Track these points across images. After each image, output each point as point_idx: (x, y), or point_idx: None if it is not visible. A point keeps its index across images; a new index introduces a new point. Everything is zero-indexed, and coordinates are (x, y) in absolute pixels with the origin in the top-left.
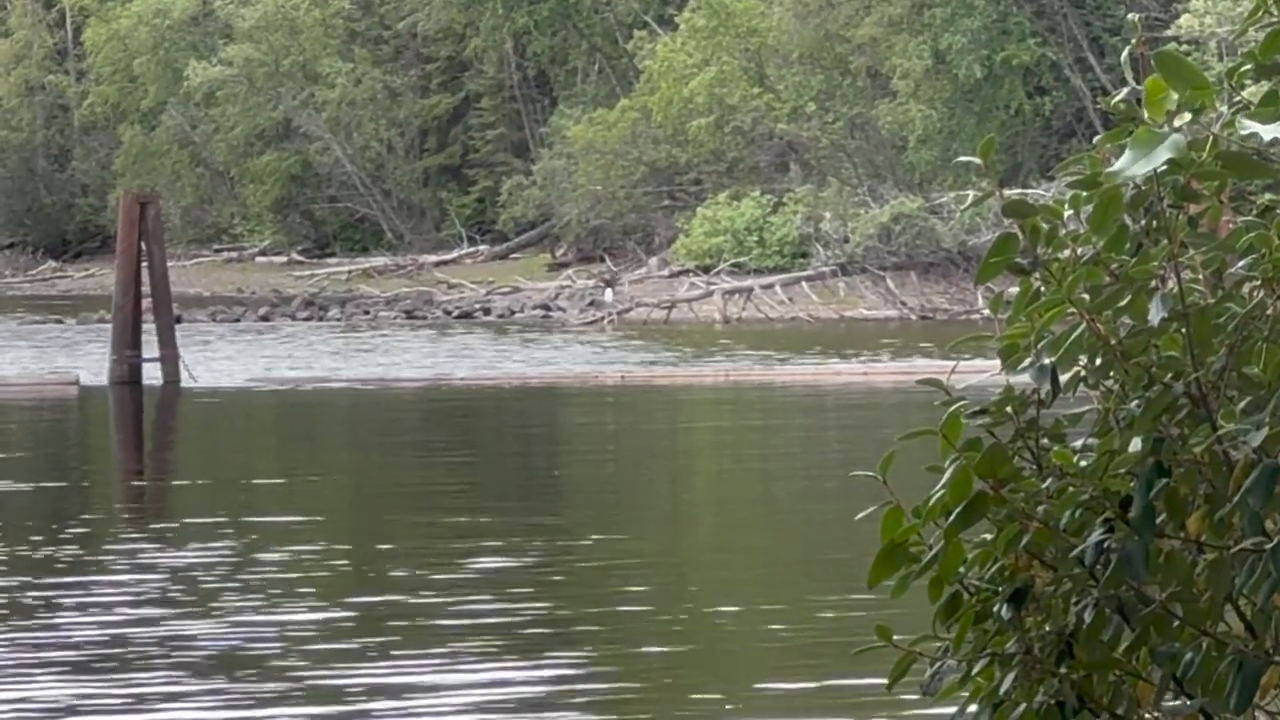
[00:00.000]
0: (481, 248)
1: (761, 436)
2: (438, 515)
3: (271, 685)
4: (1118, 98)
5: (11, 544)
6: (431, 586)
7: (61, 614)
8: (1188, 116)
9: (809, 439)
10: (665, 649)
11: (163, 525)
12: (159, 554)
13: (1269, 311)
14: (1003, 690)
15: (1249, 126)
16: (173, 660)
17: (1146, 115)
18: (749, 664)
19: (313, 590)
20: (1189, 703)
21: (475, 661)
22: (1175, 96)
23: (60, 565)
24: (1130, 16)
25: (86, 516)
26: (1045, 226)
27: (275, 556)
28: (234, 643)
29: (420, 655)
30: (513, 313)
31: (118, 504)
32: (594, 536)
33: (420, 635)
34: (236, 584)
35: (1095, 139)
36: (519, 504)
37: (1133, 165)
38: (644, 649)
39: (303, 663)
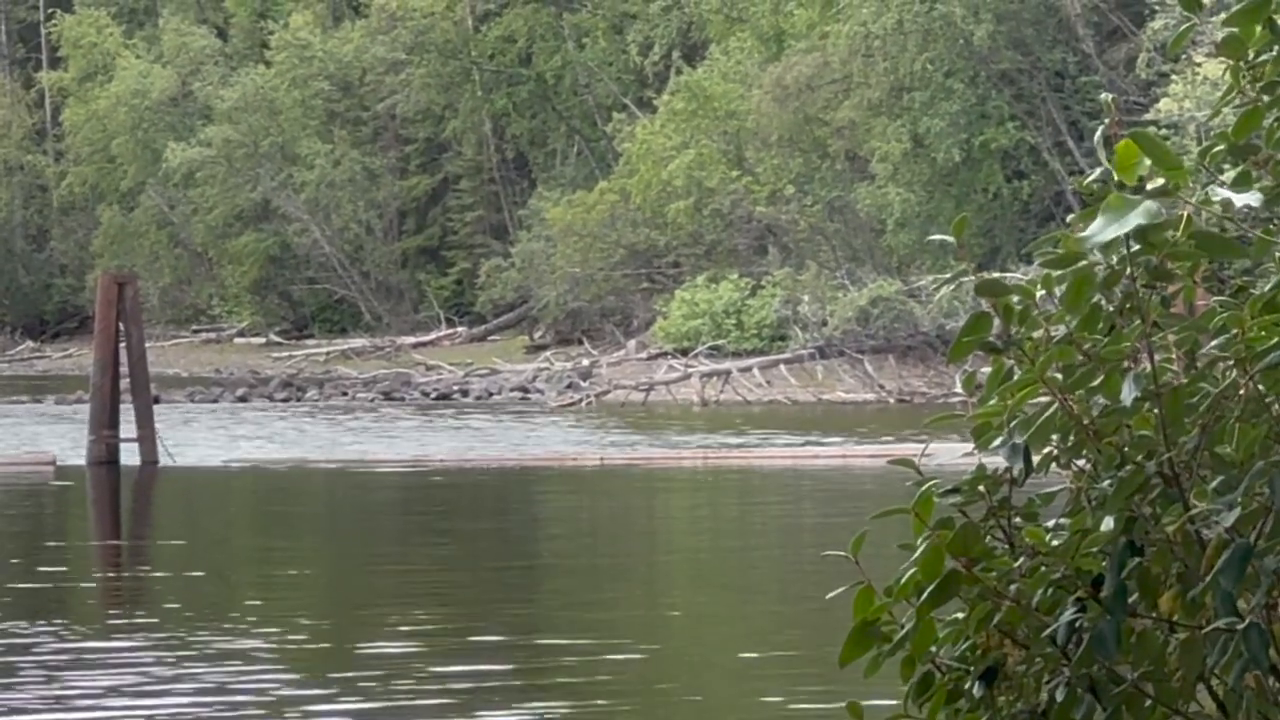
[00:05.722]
0: (460, 329)
1: (739, 522)
2: (416, 612)
3: None
4: (1091, 178)
5: None
6: (415, 696)
7: (33, 714)
8: (1160, 181)
9: (787, 522)
10: None
11: (140, 621)
12: (137, 654)
13: (1241, 391)
14: None
15: (1221, 194)
16: None
17: (1116, 176)
18: None
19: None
20: None
21: None
22: (1148, 161)
23: (26, 662)
24: (1104, 96)
25: (61, 611)
26: (1018, 306)
27: (254, 661)
28: None
29: None
30: (491, 394)
31: (93, 599)
32: (570, 637)
33: None
34: (215, 687)
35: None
36: (496, 595)
37: (1104, 230)
38: None
39: None
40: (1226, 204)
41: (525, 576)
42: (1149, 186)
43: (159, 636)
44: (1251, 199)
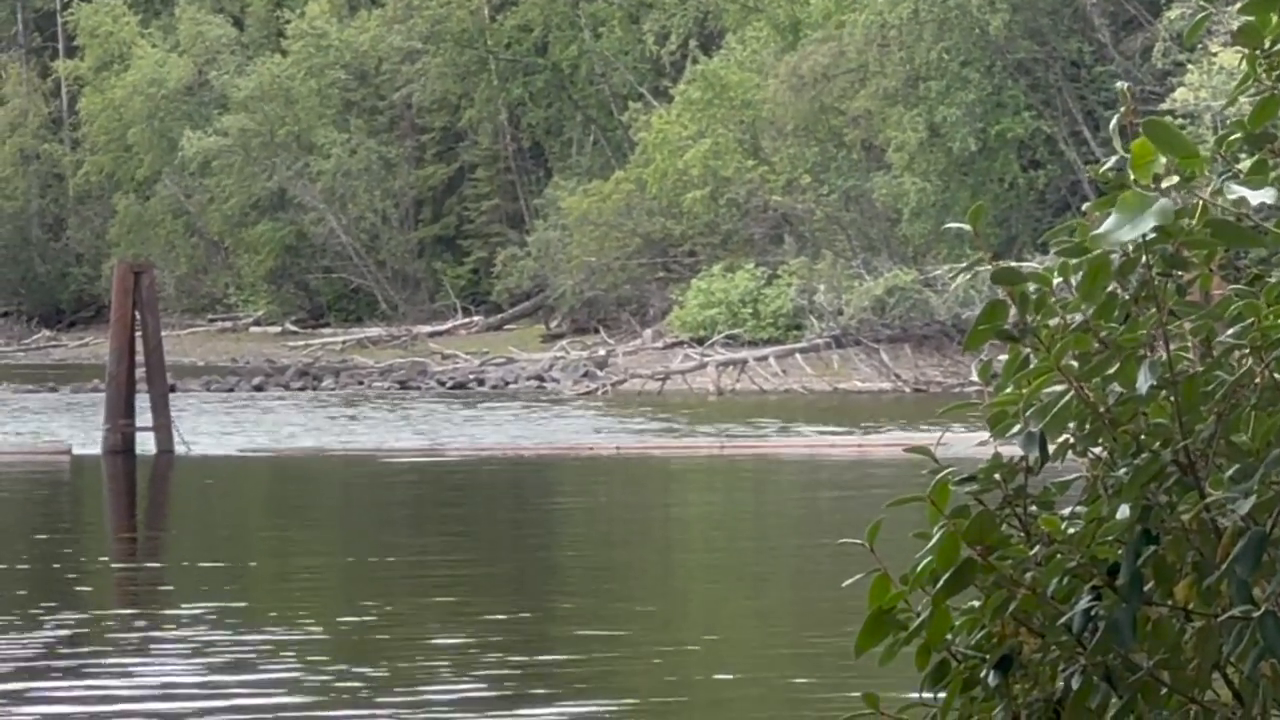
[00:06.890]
0: (476, 318)
1: (756, 511)
2: (434, 604)
3: None
4: (1106, 166)
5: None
6: (438, 690)
7: (43, 708)
8: (1175, 179)
9: (803, 511)
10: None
11: (155, 615)
12: (150, 648)
13: (1257, 379)
14: None
15: (1237, 191)
16: None
17: (1133, 178)
18: None
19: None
20: None
21: None
22: (1164, 160)
23: (46, 657)
24: (1119, 84)
25: (75, 604)
26: (1034, 294)
27: (267, 658)
28: None
29: None
30: (507, 384)
31: (110, 589)
32: (587, 627)
33: None
34: (229, 681)
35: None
36: (513, 587)
37: (1119, 230)
38: None
39: None
40: (1241, 202)
41: (541, 567)
42: (1164, 185)
43: (177, 629)
44: (1266, 196)
